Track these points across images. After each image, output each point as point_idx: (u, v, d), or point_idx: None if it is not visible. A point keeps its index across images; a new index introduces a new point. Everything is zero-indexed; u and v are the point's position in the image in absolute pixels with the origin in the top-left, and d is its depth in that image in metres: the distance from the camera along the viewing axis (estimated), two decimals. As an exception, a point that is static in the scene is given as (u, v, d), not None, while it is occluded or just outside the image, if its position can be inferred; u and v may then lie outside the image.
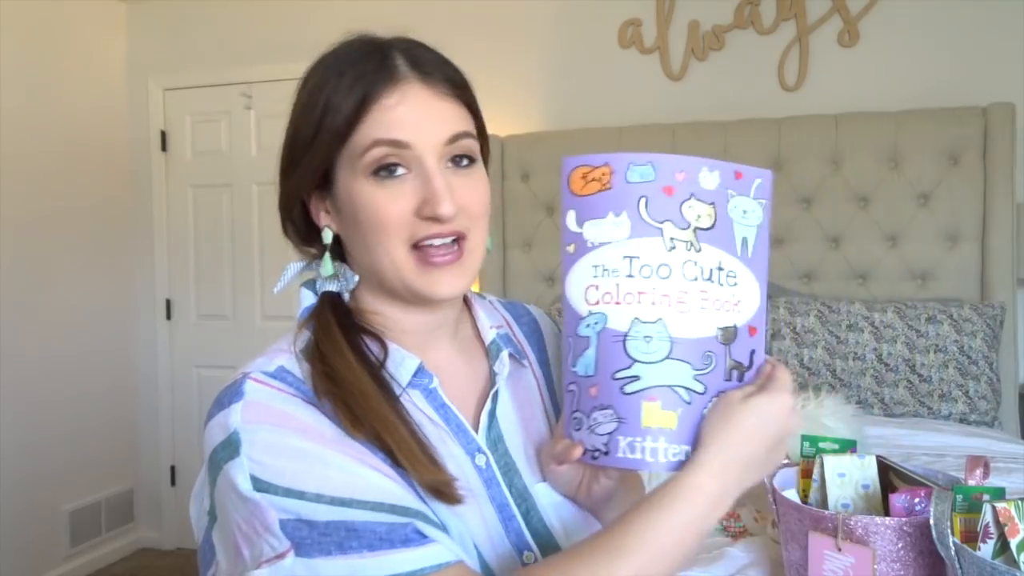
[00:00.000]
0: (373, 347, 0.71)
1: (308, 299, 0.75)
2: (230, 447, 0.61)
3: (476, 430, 0.74)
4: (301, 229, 0.76)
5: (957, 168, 2.50)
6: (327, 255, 0.74)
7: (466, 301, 0.82)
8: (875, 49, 2.70)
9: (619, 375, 0.65)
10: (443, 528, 0.64)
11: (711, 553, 1.24)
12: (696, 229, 0.65)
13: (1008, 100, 2.46)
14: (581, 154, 0.68)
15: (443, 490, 0.64)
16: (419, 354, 0.73)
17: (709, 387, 0.65)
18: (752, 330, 0.68)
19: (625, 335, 0.65)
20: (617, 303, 0.65)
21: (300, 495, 0.59)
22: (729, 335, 0.66)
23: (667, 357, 0.64)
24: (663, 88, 2.91)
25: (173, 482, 3.58)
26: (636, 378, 0.64)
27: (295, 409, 0.63)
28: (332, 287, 0.75)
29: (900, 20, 2.67)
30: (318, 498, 0.59)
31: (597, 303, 0.66)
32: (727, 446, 0.63)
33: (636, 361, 0.64)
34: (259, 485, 0.59)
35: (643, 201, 0.65)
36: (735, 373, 0.67)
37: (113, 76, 3.55)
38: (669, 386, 0.64)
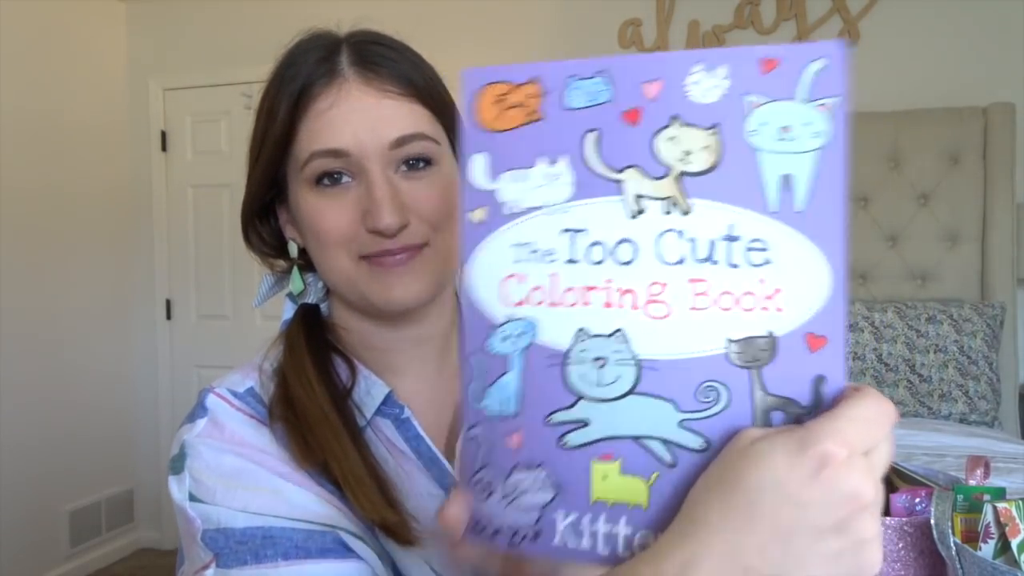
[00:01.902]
0: (342, 371, 0.67)
1: (288, 311, 0.72)
2: (179, 461, 0.62)
3: (454, 459, 0.68)
4: (272, 241, 0.72)
5: (957, 168, 2.50)
6: (295, 270, 0.70)
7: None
8: (875, 49, 2.70)
9: (556, 418, 0.42)
10: (387, 557, 0.61)
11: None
12: (682, 175, 0.40)
13: (1008, 100, 2.46)
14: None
15: (393, 529, 0.60)
16: (396, 376, 0.69)
17: (714, 440, 0.40)
18: (814, 340, 0.39)
19: (565, 355, 0.42)
20: (553, 304, 0.42)
21: (227, 507, 0.59)
22: (756, 352, 0.40)
23: (632, 391, 0.41)
24: (663, 88, 2.91)
25: (173, 482, 3.58)
26: (582, 423, 0.42)
27: (250, 433, 0.62)
28: (310, 299, 0.72)
29: (900, 20, 2.67)
30: (243, 509, 0.58)
31: (521, 303, 0.43)
32: (706, 528, 0.37)
33: (582, 397, 0.42)
34: (193, 498, 0.60)
35: (592, 139, 0.41)
36: (779, 416, 0.39)
37: (113, 76, 3.55)
38: (636, 438, 0.41)
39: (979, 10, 2.60)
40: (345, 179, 0.63)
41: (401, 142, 0.63)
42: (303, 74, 0.63)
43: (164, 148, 3.58)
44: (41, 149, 3.16)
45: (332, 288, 0.69)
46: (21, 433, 3.03)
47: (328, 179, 0.63)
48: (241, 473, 0.59)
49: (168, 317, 3.61)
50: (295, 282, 0.70)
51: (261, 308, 0.76)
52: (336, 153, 0.62)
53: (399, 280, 0.63)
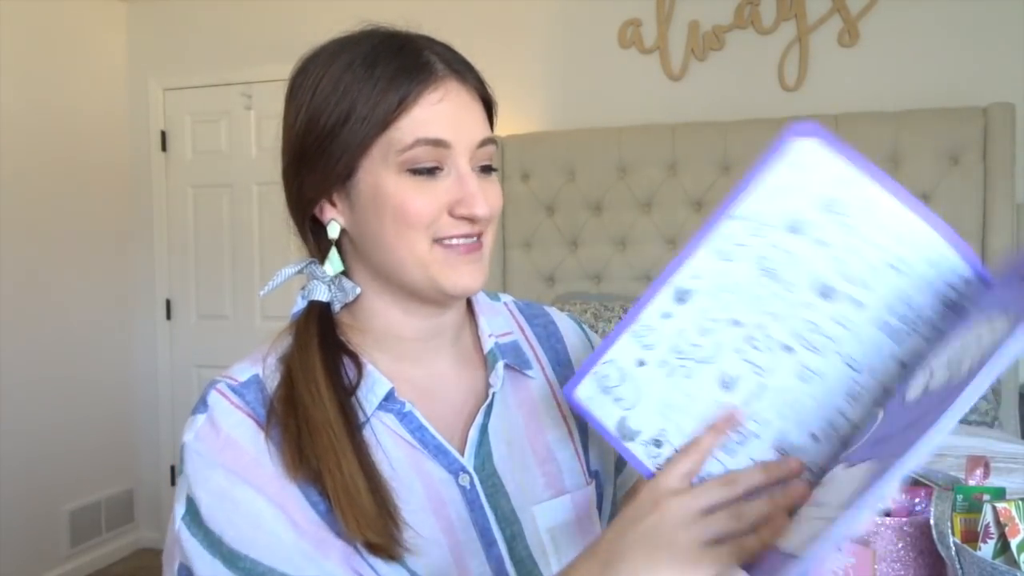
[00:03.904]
0: (350, 370, 0.69)
1: (300, 304, 0.72)
2: (182, 461, 0.65)
3: (464, 447, 0.70)
4: (302, 224, 0.72)
5: (957, 168, 2.50)
6: (334, 251, 0.71)
7: (470, 307, 0.79)
8: (875, 49, 2.70)
9: None
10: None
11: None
12: None
13: (1008, 100, 2.46)
14: None
15: (375, 547, 0.62)
16: (412, 364, 0.72)
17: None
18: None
19: None
20: None
21: (206, 533, 0.61)
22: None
23: None
24: (663, 88, 2.91)
25: (173, 482, 3.58)
26: None
27: (243, 435, 0.64)
28: (323, 296, 0.71)
29: (900, 20, 2.67)
30: (219, 543, 0.61)
31: None
32: (630, 565, 0.54)
33: None
34: (190, 508, 0.63)
35: None
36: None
37: (113, 76, 3.55)
38: None
39: (979, 10, 2.60)
40: (437, 171, 0.67)
41: (484, 143, 0.69)
42: (408, 66, 0.66)
43: (164, 148, 3.58)
44: (41, 149, 3.16)
45: (388, 271, 0.69)
46: (21, 433, 3.03)
47: (424, 168, 0.66)
48: (226, 494, 0.62)
49: (168, 317, 3.61)
50: (335, 262, 0.71)
51: (261, 308, 0.76)
52: (439, 143, 0.66)
53: (468, 268, 0.68)
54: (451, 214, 0.67)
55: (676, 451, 0.57)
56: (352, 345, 0.71)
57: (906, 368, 0.51)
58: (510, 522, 0.70)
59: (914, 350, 0.52)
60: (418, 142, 0.65)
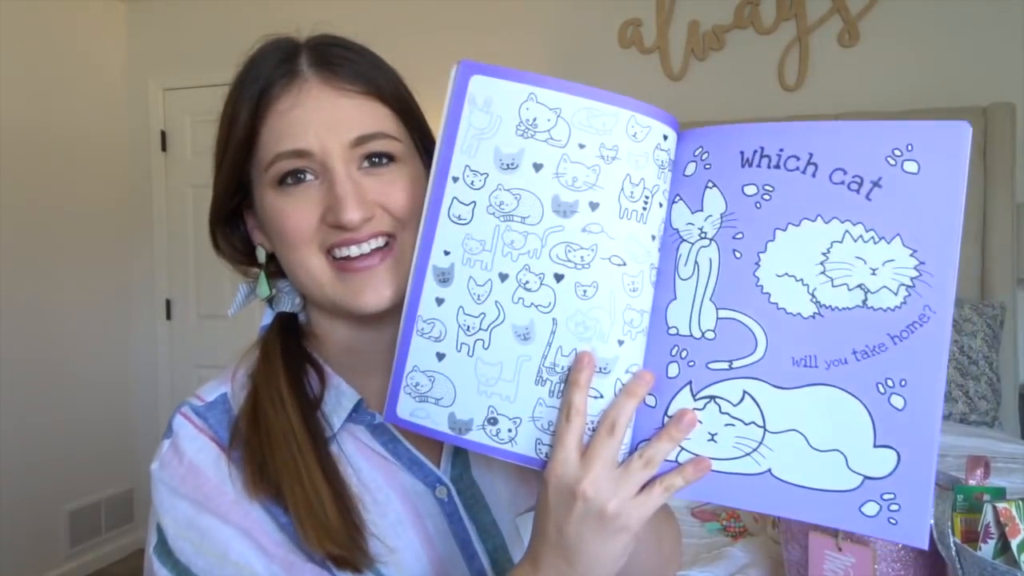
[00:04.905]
0: (314, 381, 0.67)
1: (267, 317, 0.71)
2: (151, 487, 0.63)
3: (440, 459, 0.68)
4: (242, 248, 0.71)
5: (957, 168, 2.50)
6: (262, 275, 0.70)
7: None
8: (875, 49, 2.70)
9: None
10: None
11: (711, 553, 1.24)
12: None
13: (1008, 100, 2.46)
14: None
15: (338, 560, 0.60)
16: (376, 377, 0.68)
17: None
18: None
19: None
20: None
21: (175, 563, 0.60)
22: None
23: None
24: (663, 88, 2.91)
25: (173, 482, 3.58)
26: None
27: (205, 461, 0.62)
28: (286, 307, 0.71)
29: (900, 20, 2.67)
30: (187, 573, 0.60)
31: None
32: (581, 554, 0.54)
33: None
34: (160, 537, 0.61)
35: None
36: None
37: (113, 76, 3.55)
38: None
39: (979, 10, 2.60)
40: (308, 177, 0.63)
41: (361, 141, 0.63)
42: (263, 77, 0.65)
43: (164, 148, 3.58)
44: (41, 149, 3.16)
45: (301, 290, 0.68)
46: (21, 433, 3.03)
47: (291, 178, 0.63)
48: (192, 524, 0.60)
49: (168, 317, 3.61)
50: (262, 287, 0.70)
51: (260, 308, 0.75)
52: (299, 154, 0.62)
53: (368, 284, 0.63)
54: (324, 222, 0.62)
55: (513, 420, 0.56)
56: (318, 356, 0.69)
57: (655, 240, 0.55)
58: (491, 534, 0.68)
59: (658, 220, 0.55)
60: (278, 157, 0.62)
